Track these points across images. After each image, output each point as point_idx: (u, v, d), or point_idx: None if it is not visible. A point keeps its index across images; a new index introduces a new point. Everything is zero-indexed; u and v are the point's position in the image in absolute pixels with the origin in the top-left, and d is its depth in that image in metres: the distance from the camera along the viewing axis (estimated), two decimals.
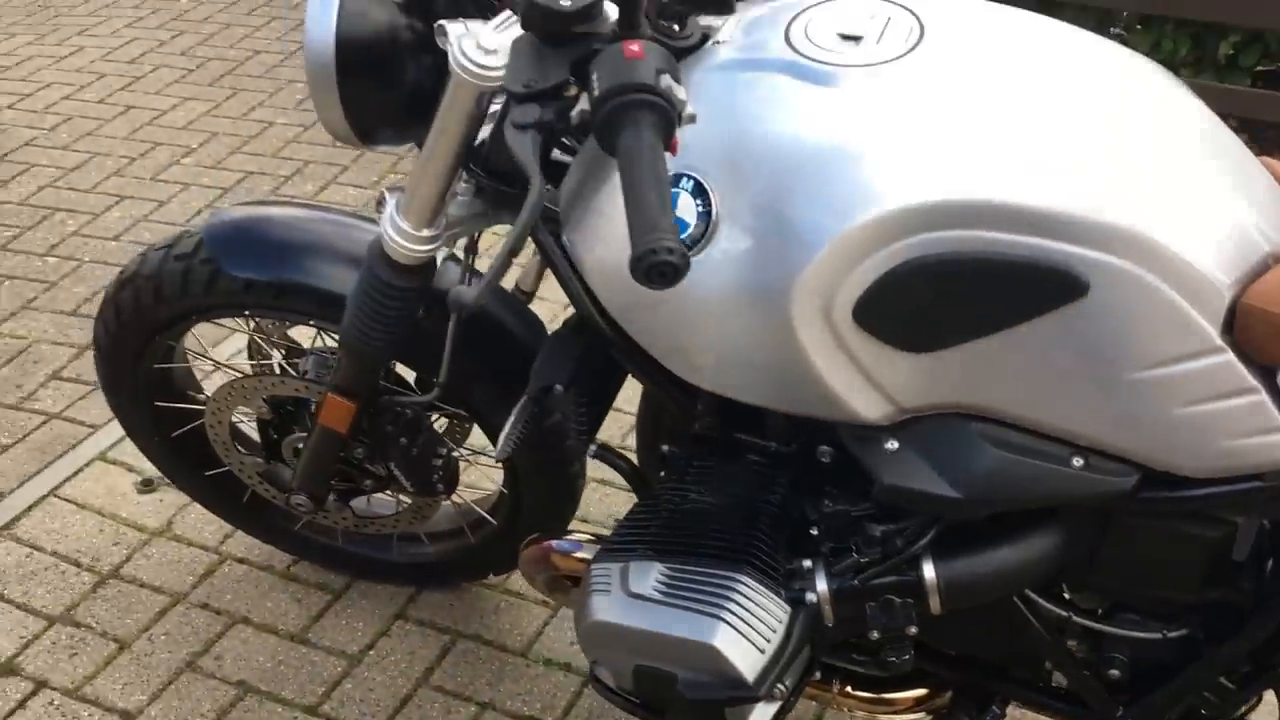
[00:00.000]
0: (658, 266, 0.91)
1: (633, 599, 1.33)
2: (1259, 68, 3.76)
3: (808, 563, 1.36)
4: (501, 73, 1.22)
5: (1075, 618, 1.43)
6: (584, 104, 1.02)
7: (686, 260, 0.92)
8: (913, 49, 1.21)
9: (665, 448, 1.51)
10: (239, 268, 1.69)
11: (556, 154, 1.40)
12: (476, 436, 1.93)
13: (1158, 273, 1.11)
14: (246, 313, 1.78)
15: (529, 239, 1.57)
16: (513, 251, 1.03)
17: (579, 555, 1.56)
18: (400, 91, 1.39)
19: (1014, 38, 1.25)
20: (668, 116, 0.99)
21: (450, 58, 1.24)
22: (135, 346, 1.86)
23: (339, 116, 1.39)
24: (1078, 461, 1.22)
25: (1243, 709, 1.50)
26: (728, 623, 1.28)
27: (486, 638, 2.09)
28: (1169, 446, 1.18)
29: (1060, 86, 1.21)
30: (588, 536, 1.60)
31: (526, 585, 1.80)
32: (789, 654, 1.31)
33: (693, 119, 1.05)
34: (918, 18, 1.24)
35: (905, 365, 1.21)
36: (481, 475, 2.24)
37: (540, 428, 1.79)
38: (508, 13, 1.27)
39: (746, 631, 1.28)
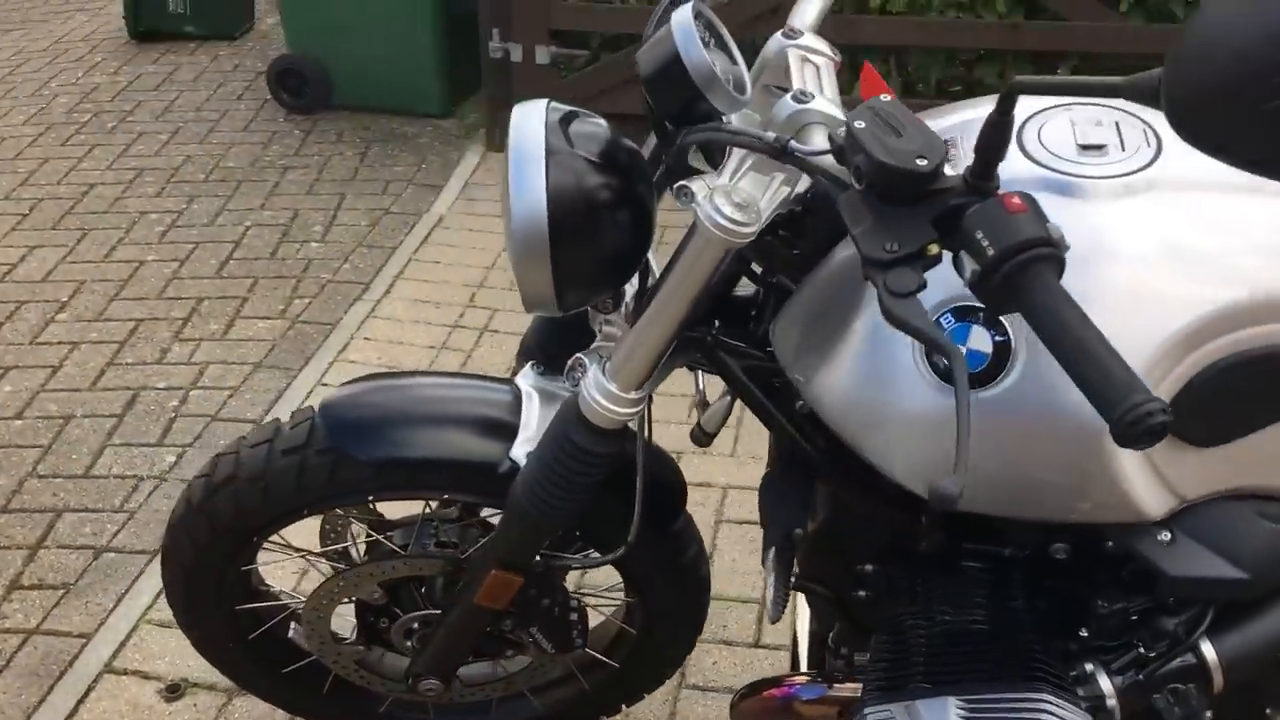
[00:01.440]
0: (1151, 429, 0.88)
1: None
2: None
3: (1089, 666, 1.35)
4: (755, 229, 1.17)
5: None
6: (969, 263, 0.98)
7: (1170, 414, 0.89)
8: (1157, 155, 1.23)
9: (868, 567, 1.48)
10: (369, 450, 1.55)
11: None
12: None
13: None
14: (370, 499, 1.63)
15: (718, 381, 1.53)
16: (964, 426, 0.96)
17: (830, 699, 1.50)
18: (608, 253, 1.30)
19: None
20: (1062, 266, 0.97)
21: (701, 217, 1.17)
22: (228, 553, 1.67)
23: (547, 287, 1.29)
24: None
25: None
26: None
27: None
28: None
29: None
30: (806, 678, 1.54)
31: None
32: None
33: None
34: (1145, 121, 1.26)
35: (1195, 459, 1.23)
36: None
37: (679, 561, 1.72)
38: (737, 161, 1.21)
39: None
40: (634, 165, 1.31)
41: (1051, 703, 1.29)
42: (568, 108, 1.32)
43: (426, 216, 3.88)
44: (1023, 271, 0.95)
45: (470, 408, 1.59)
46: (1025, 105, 1.32)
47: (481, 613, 1.61)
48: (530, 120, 1.29)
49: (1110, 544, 1.32)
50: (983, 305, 1.02)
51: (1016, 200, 0.98)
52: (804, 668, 1.72)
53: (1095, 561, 1.35)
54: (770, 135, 1.12)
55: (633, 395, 1.35)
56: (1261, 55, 0.84)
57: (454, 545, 1.69)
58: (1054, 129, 1.27)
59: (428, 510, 1.71)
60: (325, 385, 3.03)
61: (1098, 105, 1.28)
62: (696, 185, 1.19)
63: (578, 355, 1.38)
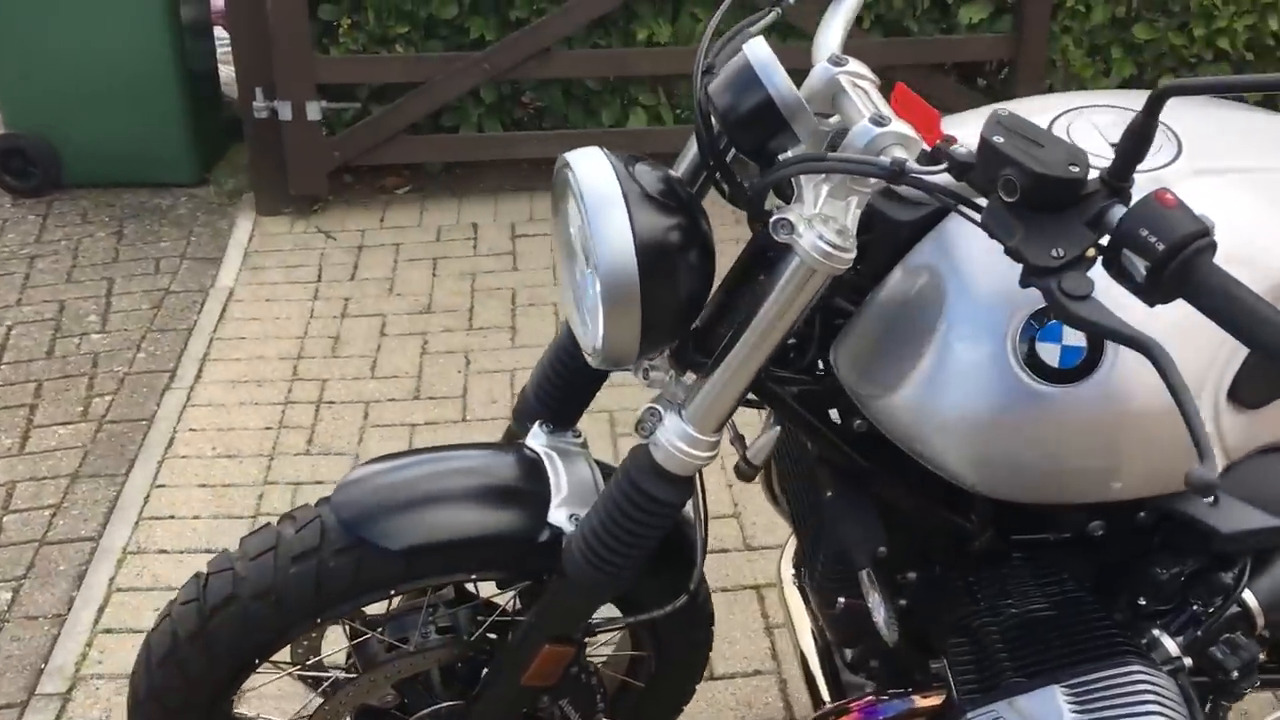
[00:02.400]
0: None
1: None
2: None
3: (1154, 632, 1.43)
4: (854, 253, 1.18)
5: None
6: (1137, 260, 1.02)
7: None
8: (1179, 151, 1.32)
9: (911, 575, 1.51)
10: (398, 540, 1.43)
11: None
12: None
13: None
14: (393, 592, 1.50)
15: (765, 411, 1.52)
16: (1193, 413, 0.98)
17: (916, 711, 1.50)
18: (686, 295, 1.26)
19: (1240, 123, 1.41)
20: (1215, 250, 1.03)
21: (806, 247, 1.17)
22: (224, 683, 1.50)
23: (635, 337, 1.24)
24: None
25: None
26: (1160, 714, 1.32)
27: None
28: None
29: None
30: (876, 696, 1.54)
31: None
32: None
33: None
34: (1161, 123, 1.35)
35: (1244, 420, 1.33)
36: None
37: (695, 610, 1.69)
38: (812, 188, 1.21)
39: (1175, 714, 1.33)
40: (694, 203, 1.29)
41: (1145, 672, 1.35)
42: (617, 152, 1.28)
43: (214, 292, 3.61)
44: (1194, 260, 1.00)
45: (493, 478, 1.50)
46: (1046, 110, 1.40)
47: (529, 693, 1.52)
48: (596, 166, 1.24)
49: (1152, 513, 1.40)
50: (1145, 298, 1.06)
51: (1170, 196, 1.03)
52: (825, 693, 1.72)
53: (1145, 532, 1.43)
54: (885, 160, 1.12)
55: (712, 438, 1.32)
56: None
57: (453, 630, 1.60)
58: (1080, 130, 1.34)
59: (432, 596, 1.60)
60: (163, 487, 2.77)
61: (1115, 109, 1.37)
62: (790, 215, 1.18)
63: (650, 405, 1.33)
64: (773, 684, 2.22)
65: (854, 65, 1.30)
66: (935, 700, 1.52)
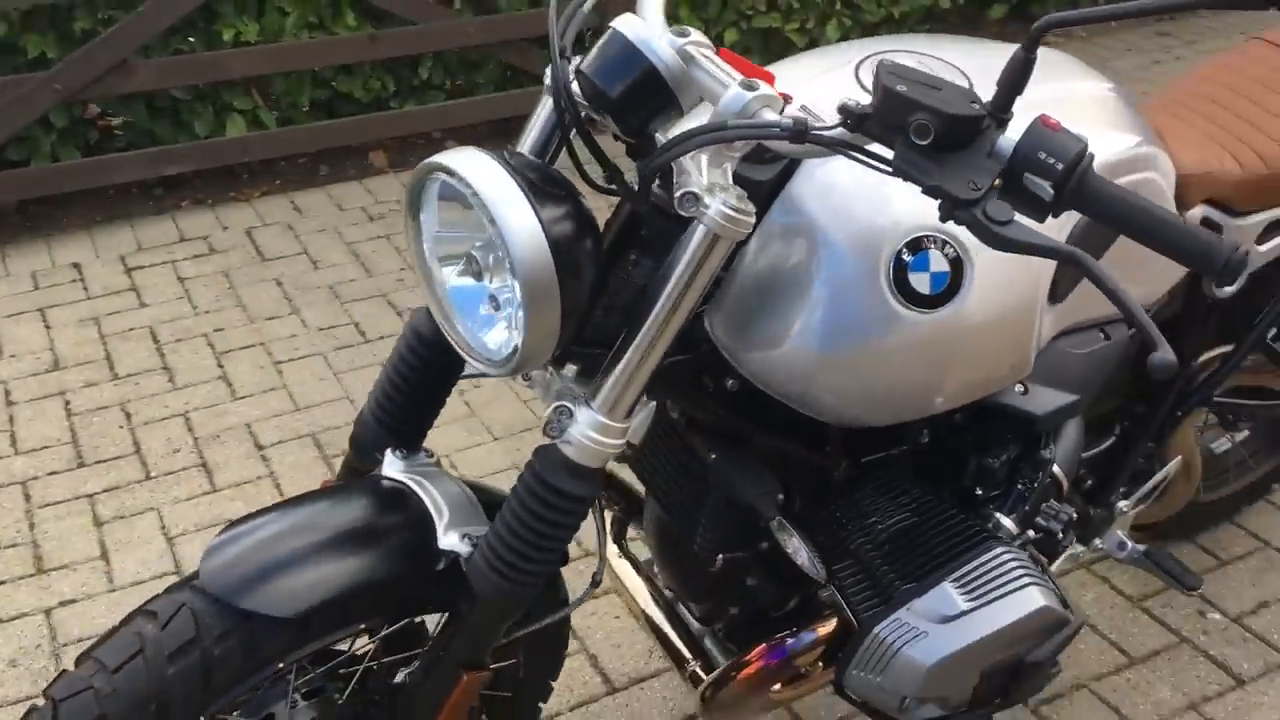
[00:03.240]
0: (1243, 264, 1.10)
1: (951, 622, 1.46)
2: None
3: (996, 515, 1.59)
4: (754, 217, 1.21)
5: None
6: (1039, 181, 1.12)
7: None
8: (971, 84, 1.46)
9: (777, 519, 1.57)
10: (290, 604, 1.29)
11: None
12: None
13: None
14: (283, 663, 1.34)
15: None
16: (1136, 310, 1.08)
17: (818, 640, 1.57)
18: (590, 283, 1.22)
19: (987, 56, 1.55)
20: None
21: (714, 216, 1.18)
22: None
23: (555, 329, 1.19)
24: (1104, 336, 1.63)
25: None
26: (1033, 585, 1.49)
27: None
28: None
29: None
30: (777, 638, 1.60)
31: None
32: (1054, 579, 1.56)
33: None
34: (947, 62, 1.47)
35: (1052, 314, 1.51)
36: None
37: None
38: (697, 159, 1.22)
39: (1042, 582, 1.50)
40: (574, 191, 1.25)
41: (1009, 552, 1.52)
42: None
43: None
44: (1086, 175, 1.12)
45: (369, 518, 1.39)
46: (847, 58, 1.48)
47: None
48: (485, 168, 1.18)
49: (965, 414, 1.56)
50: (1037, 217, 1.16)
51: (1052, 120, 1.14)
52: (684, 650, 1.76)
53: (962, 431, 1.59)
54: (787, 121, 1.15)
55: (624, 424, 1.30)
56: None
57: (321, 692, 1.48)
58: (869, 72, 1.44)
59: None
60: None
61: (909, 53, 1.48)
62: (695, 189, 1.19)
63: (558, 404, 1.28)
64: (584, 662, 2.22)
65: (695, 35, 1.31)
66: (829, 627, 1.60)
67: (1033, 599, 1.48)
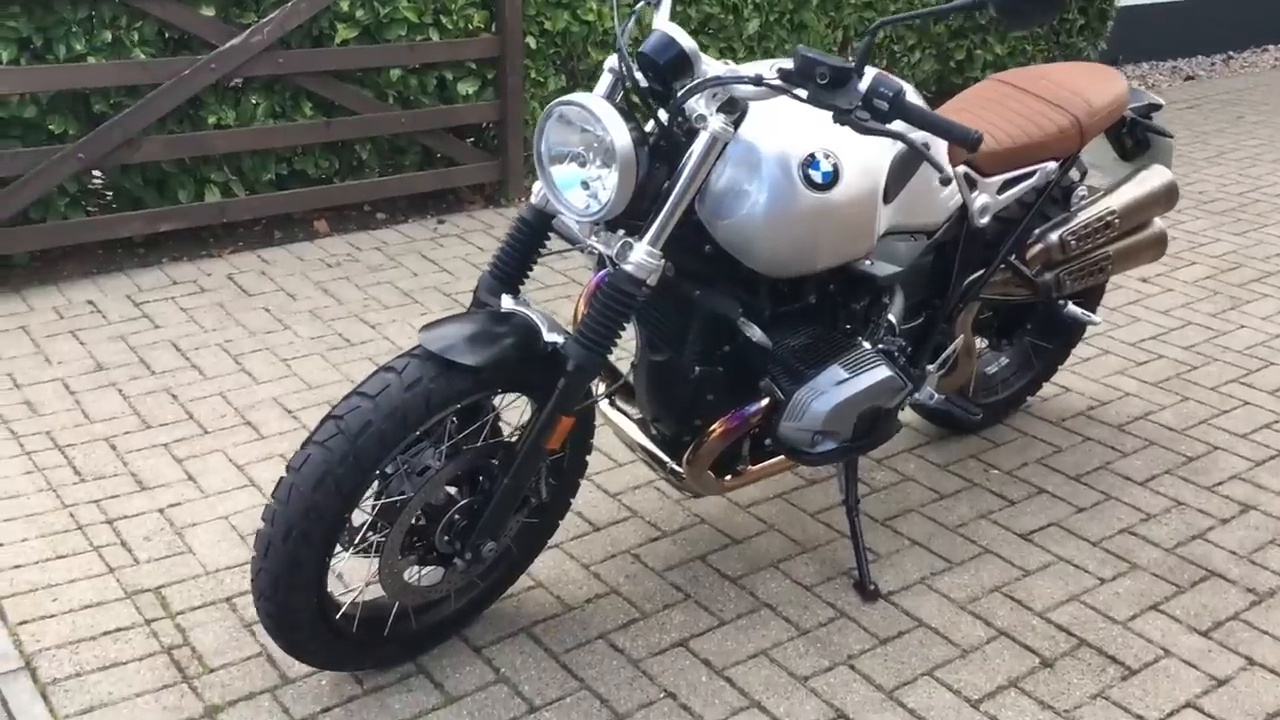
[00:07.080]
0: (977, 140, 2.18)
1: (842, 385, 2.49)
2: None
3: (858, 337, 2.63)
4: (736, 130, 2.25)
5: None
6: (881, 101, 2.17)
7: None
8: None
9: (740, 317, 2.56)
10: (475, 357, 2.22)
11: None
12: None
13: None
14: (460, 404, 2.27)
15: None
16: (936, 157, 2.17)
17: (760, 408, 2.55)
18: (649, 172, 2.24)
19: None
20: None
21: (714, 126, 2.21)
22: (360, 492, 2.18)
23: (629, 192, 2.19)
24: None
25: None
26: (883, 364, 2.54)
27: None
28: None
29: None
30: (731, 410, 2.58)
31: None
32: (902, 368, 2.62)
33: None
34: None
35: (887, 211, 2.59)
36: None
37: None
38: (703, 98, 2.26)
39: (888, 363, 2.56)
40: (636, 119, 2.27)
41: (871, 350, 2.57)
42: None
43: None
44: (905, 97, 2.19)
45: (506, 324, 2.33)
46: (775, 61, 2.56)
47: (541, 459, 2.36)
48: (594, 101, 2.20)
49: (849, 276, 2.62)
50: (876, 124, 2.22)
51: (883, 71, 2.21)
52: (666, 458, 2.71)
53: (843, 290, 2.64)
54: (751, 75, 2.20)
55: (659, 255, 2.29)
56: None
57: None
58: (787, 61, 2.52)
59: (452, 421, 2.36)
60: None
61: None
62: (702, 111, 2.22)
63: (624, 241, 2.28)
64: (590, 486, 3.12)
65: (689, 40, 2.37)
66: (764, 402, 2.59)
67: (883, 371, 2.53)
